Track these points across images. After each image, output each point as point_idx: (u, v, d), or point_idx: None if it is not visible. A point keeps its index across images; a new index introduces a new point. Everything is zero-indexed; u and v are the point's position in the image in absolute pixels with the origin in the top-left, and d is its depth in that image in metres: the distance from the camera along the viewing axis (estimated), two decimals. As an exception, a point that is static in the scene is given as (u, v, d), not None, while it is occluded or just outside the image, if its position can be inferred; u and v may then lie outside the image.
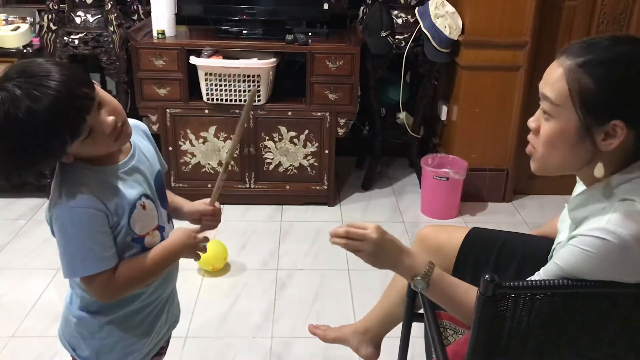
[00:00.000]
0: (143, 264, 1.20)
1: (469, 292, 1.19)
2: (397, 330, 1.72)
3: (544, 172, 1.17)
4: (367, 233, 1.17)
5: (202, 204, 1.37)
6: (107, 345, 1.28)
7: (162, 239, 1.27)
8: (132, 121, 1.26)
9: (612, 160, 1.10)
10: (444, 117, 3.31)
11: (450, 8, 2.97)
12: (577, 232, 1.09)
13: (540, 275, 1.14)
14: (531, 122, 1.16)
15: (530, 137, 1.17)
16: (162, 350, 1.46)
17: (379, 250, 1.18)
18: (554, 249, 1.28)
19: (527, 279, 1.16)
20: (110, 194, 1.15)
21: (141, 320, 1.30)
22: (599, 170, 1.09)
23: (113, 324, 1.27)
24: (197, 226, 1.32)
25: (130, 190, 1.19)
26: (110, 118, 1.10)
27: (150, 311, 1.32)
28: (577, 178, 1.26)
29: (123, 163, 1.21)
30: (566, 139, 1.09)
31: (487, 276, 1.04)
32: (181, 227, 1.29)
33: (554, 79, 1.08)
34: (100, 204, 1.13)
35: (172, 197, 1.41)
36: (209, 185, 3.10)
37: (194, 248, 1.27)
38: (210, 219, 1.36)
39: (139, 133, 1.31)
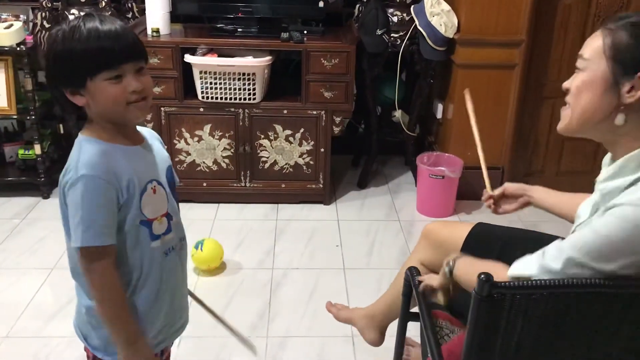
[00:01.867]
0: (117, 300, 1.22)
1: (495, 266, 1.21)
2: (394, 329, 1.72)
3: (568, 129, 1.21)
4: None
5: None
6: None
7: (169, 227, 1.30)
8: (149, 130, 1.36)
9: (633, 117, 1.12)
10: (439, 115, 3.30)
11: (445, 6, 2.97)
12: (615, 202, 1.08)
13: (569, 240, 1.11)
14: (565, 83, 1.21)
15: (567, 97, 1.21)
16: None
17: None
18: (574, 231, 1.27)
19: (544, 249, 1.14)
20: (124, 169, 1.19)
21: (150, 309, 1.31)
22: (620, 118, 1.12)
23: (133, 304, 1.28)
24: None
25: (143, 170, 1.24)
26: (138, 84, 1.18)
27: (161, 302, 1.32)
28: (606, 157, 1.26)
29: (139, 147, 1.27)
30: (593, 87, 1.13)
31: (482, 276, 1.04)
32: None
33: (592, 40, 1.15)
34: (113, 177, 1.17)
35: None
36: (204, 184, 3.09)
37: None
38: None
39: (155, 138, 1.38)
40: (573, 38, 3.05)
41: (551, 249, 1.13)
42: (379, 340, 1.88)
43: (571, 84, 1.18)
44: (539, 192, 1.60)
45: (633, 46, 1.09)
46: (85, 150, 1.18)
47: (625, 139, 1.14)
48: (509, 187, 1.64)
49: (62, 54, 1.15)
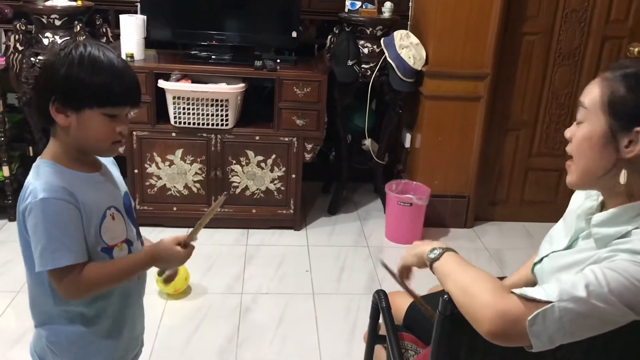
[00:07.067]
0: (111, 267, 1.24)
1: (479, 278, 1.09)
2: (360, 353, 1.74)
3: (574, 183, 1.18)
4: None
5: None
6: (84, 356, 1.29)
7: (129, 253, 1.31)
8: None
9: (634, 171, 1.10)
10: (407, 144, 3.39)
11: (414, 39, 3.07)
12: (614, 255, 1.04)
13: (582, 276, 1.02)
14: (566, 132, 1.19)
15: (568, 148, 1.19)
16: None
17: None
18: (546, 255, 1.26)
19: (557, 279, 1.06)
20: (83, 194, 1.19)
21: (109, 338, 1.31)
22: (623, 177, 1.11)
23: (92, 333, 1.28)
24: (178, 236, 1.30)
25: (102, 197, 1.25)
26: (126, 128, 1.24)
27: (120, 330, 1.33)
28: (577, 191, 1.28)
29: (97, 174, 1.28)
30: (592, 141, 1.11)
31: (445, 296, 1.09)
32: (162, 241, 1.30)
33: (590, 87, 1.14)
34: (73, 199, 1.17)
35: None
36: (174, 209, 3.09)
37: (178, 255, 1.28)
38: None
39: (112, 164, 1.39)
40: (536, 72, 3.18)
41: (566, 278, 1.03)
42: None
43: (573, 133, 1.16)
44: None
45: (629, 100, 1.07)
46: (42, 174, 1.18)
47: (625, 198, 1.13)
48: None
49: (78, 76, 1.15)
